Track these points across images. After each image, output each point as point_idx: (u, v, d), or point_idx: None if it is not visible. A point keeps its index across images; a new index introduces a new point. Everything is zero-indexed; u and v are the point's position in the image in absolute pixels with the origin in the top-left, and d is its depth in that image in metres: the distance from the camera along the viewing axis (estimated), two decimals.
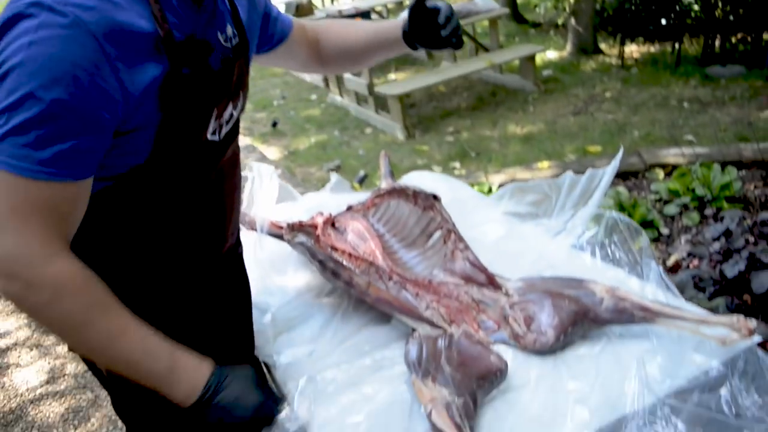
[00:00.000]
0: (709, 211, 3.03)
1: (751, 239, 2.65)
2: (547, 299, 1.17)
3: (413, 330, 1.16)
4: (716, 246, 2.58)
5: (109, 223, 0.97)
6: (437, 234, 1.45)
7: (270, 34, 1.26)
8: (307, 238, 1.38)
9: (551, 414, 1.00)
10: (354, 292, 1.23)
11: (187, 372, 0.93)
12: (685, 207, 3.14)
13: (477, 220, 1.60)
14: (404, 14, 1.28)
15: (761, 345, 1.05)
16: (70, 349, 0.94)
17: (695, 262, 2.70)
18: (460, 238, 1.38)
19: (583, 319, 1.14)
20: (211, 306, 1.12)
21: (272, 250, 1.56)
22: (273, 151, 4.86)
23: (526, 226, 1.56)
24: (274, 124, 5.41)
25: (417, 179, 1.80)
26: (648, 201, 3.26)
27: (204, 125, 0.96)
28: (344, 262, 1.29)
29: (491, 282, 1.26)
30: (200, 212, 1.06)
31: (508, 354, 1.14)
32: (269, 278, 1.46)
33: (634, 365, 1.04)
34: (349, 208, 1.67)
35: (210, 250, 1.13)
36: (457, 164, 4.17)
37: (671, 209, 3.14)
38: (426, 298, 1.25)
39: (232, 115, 1.04)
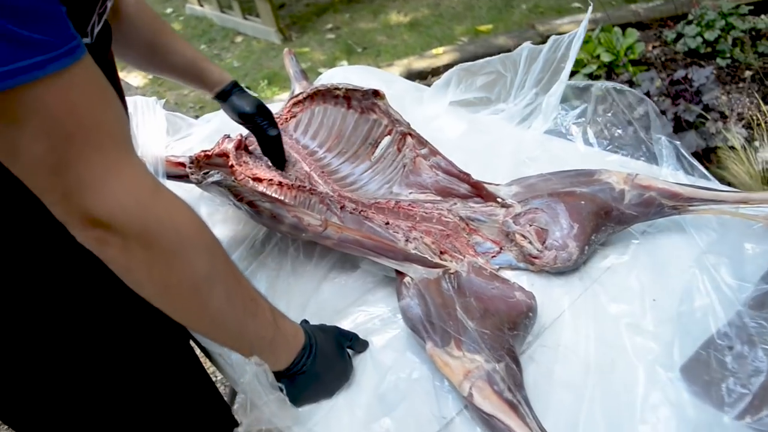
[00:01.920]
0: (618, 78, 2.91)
1: (668, 101, 2.56)
2: (558, 203, 0.91)
3: (399, 275, 0.87)
4: (640, 111, 2.45)
5: None
6: (385, 140, 1.14)
7: None
8: (221, 173, 1.02)
9: (608, 354, 0.76)
10: (306, 236, 0.91)
11: (286, 340, 0.74)
12: (593, 77, 3.00)
13: (421, 116, 1.29)
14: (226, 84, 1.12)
15: None
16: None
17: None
18: (422, 141, 1.07)
19: (606, 221, 0.90)
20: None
21: None
22: (134, 78, 4.18)
23: (484, 116, 1.28)
24: None
25: (337, 76, 1.45)
26: None
27: (89, 15, 0.63)
28: (285, 198, 0.96)
29: (479, 192, 0.98)
30: None
31: (522, 282, 0.89)
32: None
33: (688, 270, 0.82)
34: None
35: None
36: (344, 63, 3.77)
37: (579, 80, 2.98)
38: (400, 226, 0.95)
39: (105, 7, 0.68)
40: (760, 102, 2.35)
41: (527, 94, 1.27)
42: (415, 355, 0.79)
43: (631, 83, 2.78)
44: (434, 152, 1.05)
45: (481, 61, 1.29)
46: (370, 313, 0.88)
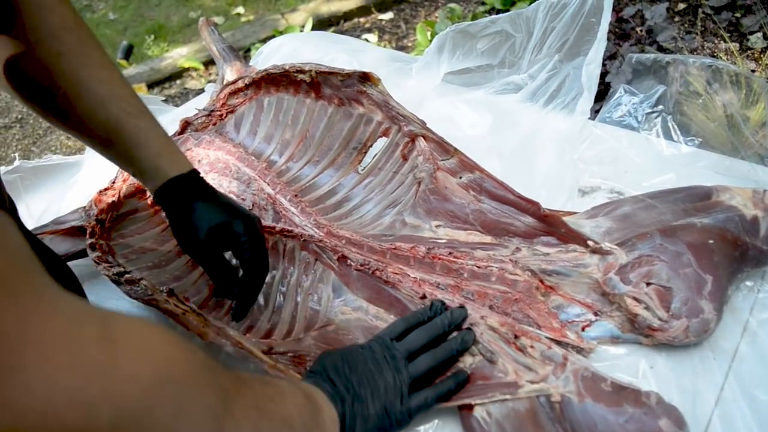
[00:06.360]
0: None
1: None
2: (677, 244, 0.62)
3: (468, 411, 0.55)
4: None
5: None
6: (380, 144, 0.81)
7: None
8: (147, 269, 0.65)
9: None
10: None
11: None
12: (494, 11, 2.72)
13: (410, 97, 0.95)
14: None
15: None
16: None
17: None
18: (445, 147, 0.74)
19: (741, 266, 0.63)
20: None
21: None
22: None
23: (493, 95, 0.97)
24: None
25: (284, 48, 1.07)
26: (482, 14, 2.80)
27: None
28: None
29: (552, 229, 0.67)
30: None
31: (630, 364, 0.60)
32: None
33: None
34: (185, 126, 0.92)
35: None
36: (240, 9, 3.28)
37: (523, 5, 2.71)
38: (446, 295, 0.63)
39: None
40: (725, 39, 2.18)
41: (545, 60, 0.96)
42: None
43: None
44: (468, 165, 0.73)
45: (484, 19, 0.96)
46: None
